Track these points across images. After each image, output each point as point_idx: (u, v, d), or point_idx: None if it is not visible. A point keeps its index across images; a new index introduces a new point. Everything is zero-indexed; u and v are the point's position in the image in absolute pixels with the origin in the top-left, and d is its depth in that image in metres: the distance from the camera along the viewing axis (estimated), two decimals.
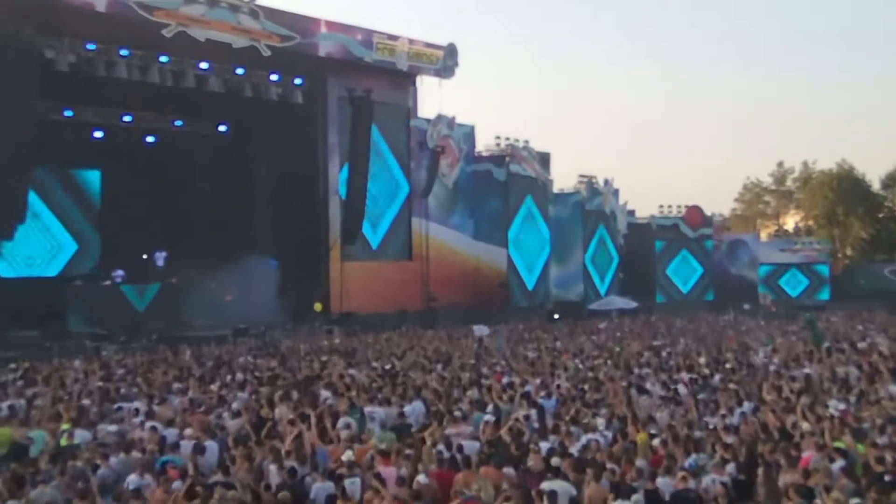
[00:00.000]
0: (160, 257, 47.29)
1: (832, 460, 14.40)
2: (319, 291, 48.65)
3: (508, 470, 13.76)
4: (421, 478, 13.25)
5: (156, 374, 26.90)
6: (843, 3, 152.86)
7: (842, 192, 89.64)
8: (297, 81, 48.62)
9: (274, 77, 47.49)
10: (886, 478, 13.62)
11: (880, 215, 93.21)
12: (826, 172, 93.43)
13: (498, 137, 60.77)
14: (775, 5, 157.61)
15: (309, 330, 44.37)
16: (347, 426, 17.49)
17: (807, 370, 26.51)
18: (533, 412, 19.39)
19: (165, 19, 41.70)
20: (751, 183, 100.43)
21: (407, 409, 19.45)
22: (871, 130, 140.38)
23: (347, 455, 14.42)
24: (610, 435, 16.79)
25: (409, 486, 12.82)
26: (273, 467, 14.01)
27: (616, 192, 70.51)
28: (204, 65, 44.92)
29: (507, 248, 59.03)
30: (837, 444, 15.07)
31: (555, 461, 13.74)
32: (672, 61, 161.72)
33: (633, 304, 60.60)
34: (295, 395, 21.79)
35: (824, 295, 73.42)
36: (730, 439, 15.99)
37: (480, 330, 41.60)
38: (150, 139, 50.73)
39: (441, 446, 15.32)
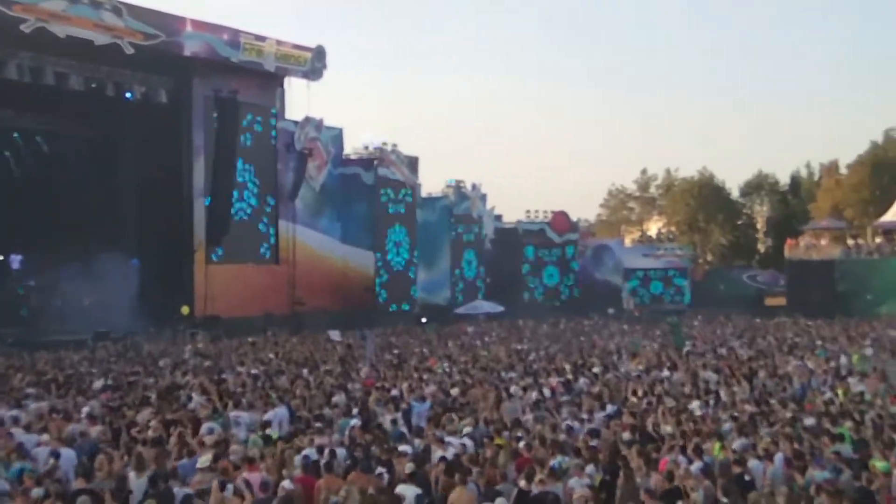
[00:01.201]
0: (15, 260, 45.81)
1: (691, 462, 14.71)
2: (184, 294, 47.73)
3: (374, 475, 13.68)
4: (286, 483, 13.06)
5: (13, 380, 26.07)
6: (708, 16, 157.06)
7: (703, 200, 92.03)
8: (162, 81, 47.71)
9: (137, 76, 46.51)
10: (747, 478, 14.01)
11: (739, 222, 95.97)
12: (688, 180, 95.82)
13: (367, 141, 60.69)
14: (642, 16, 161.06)
15: (173, 334, 43.47)
16: (211, 431, 17.19)
17: (667, 374, 27.11)
18: (400, 416, 19.36)
19: (24, 14, 40.40)
20: (616, 189, 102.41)
21: (270, 414, 19.19)
22: (731, 140, 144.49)
23: (203, 461, 14.13)
24: (476, 439, 16.81)
25: (273, 492, 12.65)
26: (133, 474, 13.65)
27: (484, 197, 70.96)
28: (64, 62, 43.71)
29: (374, 252, 58.75)
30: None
31: (409, 467, 13.66)
32: (539, 68, 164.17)
33: (500, 308, 61.03)
34: (157, 400, 21.36)
35: (686, 300, 75.10)
36: (593, 442, 16.18)
37: (334, 334, 41.58)
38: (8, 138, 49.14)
39: (307, 451, 15.14)
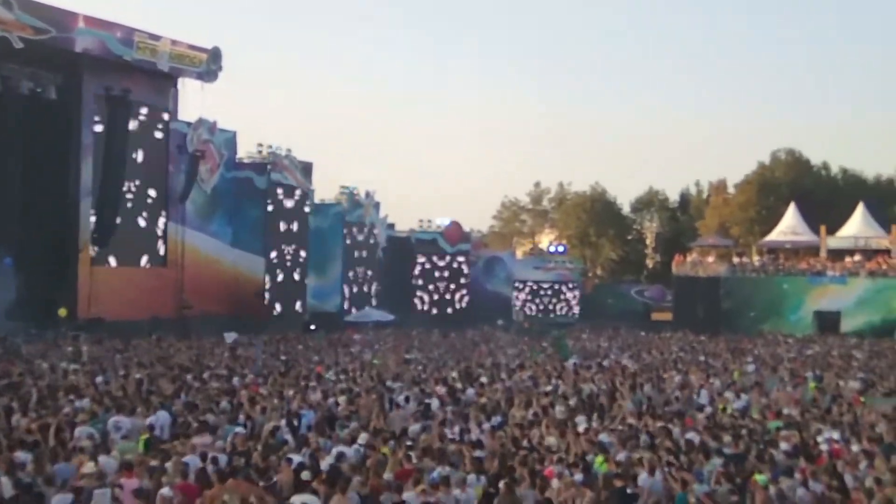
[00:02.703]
0: None
1: (572, 473, 14.81)
2: (65, 295, 46.49)
3: (255, 483, 13.48)
4: (165, 490, 12.78)
5: None
6: (602, 31, 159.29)
7: (594, 214, 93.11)
8: (51, 77, 46.57)
9: (26, 71, 45.31)
10: (629, 490, 14.13)
11: (629, 237, 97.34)
12: (580, 194, 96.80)
13: (260, 145, 59.90)
14: (538, 26, 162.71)
15: (54, 336, 42.31)
16: (90, 436, 16.77)
17: (552, 386, 27.30)
18: (284, 424, 19.14)
19: None
20: (509, 201, 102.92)
21: (152, 419, 18.79)
22: (624, 156, 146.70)
23: (89, 467, 13.78)
24: (361, 447, 16.67)
25: (149, 499, 12.39)
26: (5, 479, 13.22)
27: (377, 205, 70.76)
28: None
29: (265, 257, 58.08)
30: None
31: (305, 475, 13.52)
32: (435, 78, 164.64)
33: (390, 317, 60.89)
34: (35, 403, 20.78)
35: (575, 313, 75.98)
36: (478, 452, 16.17)
37: (229, 337, 41.02)
38: None
39: (189, 458, 14.85)
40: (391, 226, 74.89)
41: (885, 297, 64.71)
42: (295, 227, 60.92)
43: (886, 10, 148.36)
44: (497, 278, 78.26)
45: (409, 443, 17.01)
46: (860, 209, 72.22)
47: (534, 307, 76.52)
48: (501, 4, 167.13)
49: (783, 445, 17.71)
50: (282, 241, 59.68)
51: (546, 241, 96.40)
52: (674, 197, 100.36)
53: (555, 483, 14.19)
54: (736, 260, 73.30)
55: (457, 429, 19.23)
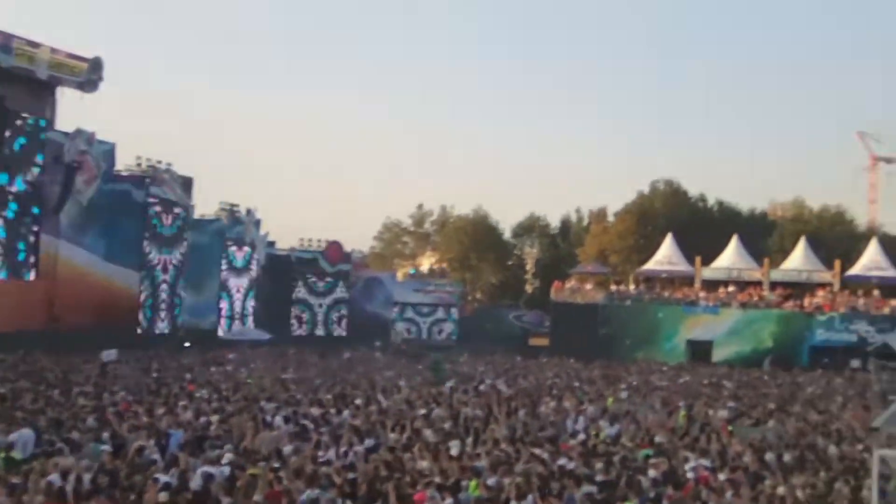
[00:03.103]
0: None
1: (444, 497, 14.75)
2: None
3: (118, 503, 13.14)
4: None
5: None
6: (486, 59, 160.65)
7: (476, 238, 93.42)
8: None
9: None
10: None
11: (509, 263, 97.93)
12: (462, 218, 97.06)
13: (140, 158, 58.74)
14: (420, 51, 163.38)
15: None
16: None
17: (428, 410, 27.23)
18: (152, 443, 18.71)
19: None
20: (391, 223, 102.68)
21: (15, 435, 18.18)
22: (506, 182, 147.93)
23: None
24: (229, 468, 16.35)
25: None
26: None
27: (258, 223, 70.03)
28: None
29: (140, 272, 56.88)
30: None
31: (162, 496, 13.19)
32: (318, 96, 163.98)
33: (267, 336, 60.24)
34: None
35: (453, 336, 76.14)
36: (350, 475, 16.01)
37: (108, 355, 39.95)
38: None
39: (52, 476, 14.39)
40: (271, 244, 74.15)
41: (755, 328, 66.31)
42: (172, 242, 59.88)
43: (763, 51, 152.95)
44: (376, 299, 78.01)
45: (276, 465, 16.74)
46: (734, 242, 73.91)
47: (412, 329, 76.46)
48: (383, 25, 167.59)
49: (651, 473, 17.91)
50: (158, 255, 58.58)
51: (427, 263, 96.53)
52: (555, 223, 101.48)
53: None
54: (613, 288, 74.30)
55: (331, 451, 19.04)
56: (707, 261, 72.84)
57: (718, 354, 64.75)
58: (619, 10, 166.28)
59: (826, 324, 65.14)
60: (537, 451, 19.98)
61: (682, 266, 73.80)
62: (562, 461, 18.83)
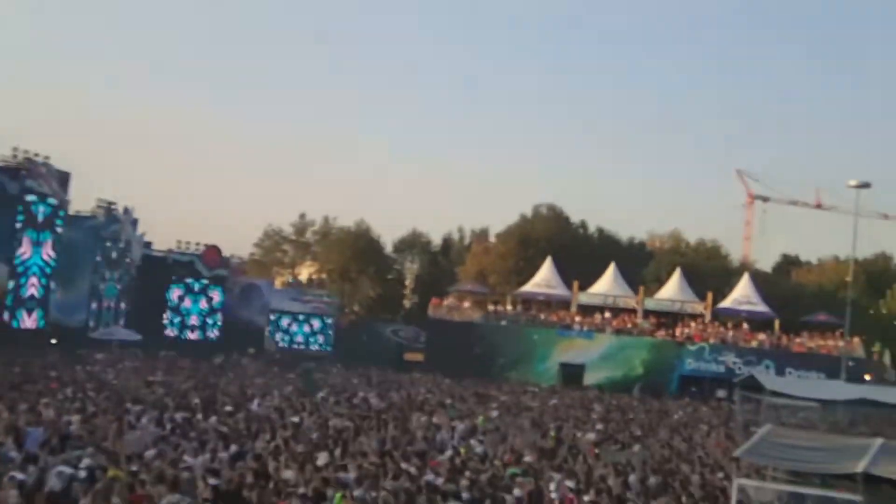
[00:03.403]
0: None
1: None
2: None
3: None
4: None
5: None
6: (372, 70, 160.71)
7: (357, 251, 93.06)
8: None
9: None
10: None
11: (389, 277, 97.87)
12: (344, 230, 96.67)
13: (16, 149, 56.99)
14: (307, 62, 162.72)
15: None
16: None
17: (298, 419, 27.00)
18: (10, 440, 18.14)
19: None
20: (272, 230, 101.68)
21: None
22: (391, 196, 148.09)
23: None
24: (89, 469, 15.91)
25: None
26: None
27: (135, 222, 68.56)
28: None
29: (8, 266, 55.13)
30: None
31: (13, 495, 12.77)
32: (201, 99, 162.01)
33: (137, 337, 58.91)
34: None
35: (328, 347, 75.61)
36: (213, 481, 15.72)
37: None
38: None
39: None
40: (148, 244, 72.66)
41: (627, 354, 67.39)
42: (45, 237, 58.26)
43: (648, 85, 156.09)
44: (253, 306, 77.01)
45: (133, 468, 16.33)
46: (612, 269, 75.02)
47: (287, 338, 75.72)
48: (265, 30, 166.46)
49: (516, 492, 17.98)
50: (29, 250, 56.92)
51: (306, 273, 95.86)
52: (436, 241, 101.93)
53: None
54: (491, 307, 74.71)
55: (196, 457, 18.68)
56: (584, 286, 73.79)
57: (590, 378, 65.55)
58: (503, 26, 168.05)
59: (696, 354, 66.54)
60: (405, 465, 19.91)
61: (559, 290, 74.59)
62: (429, 476, 18.78)
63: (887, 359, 69.39)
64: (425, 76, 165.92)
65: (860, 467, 13.43)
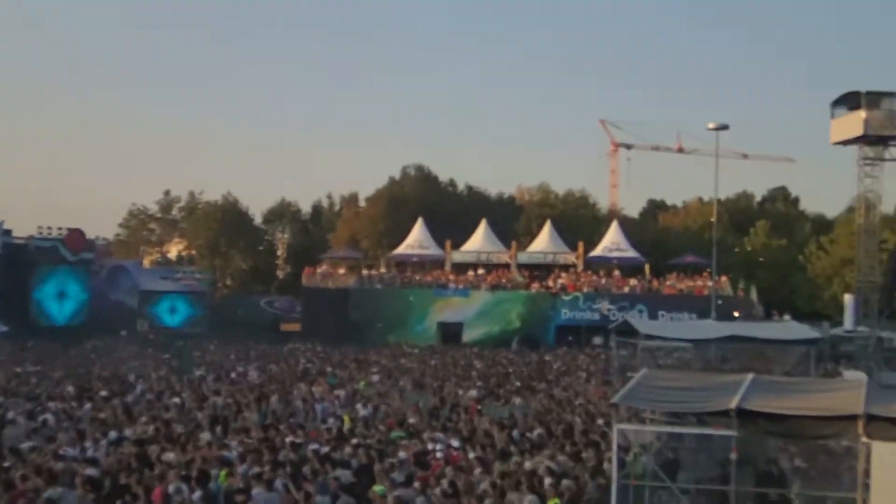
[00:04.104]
0: None
1: (192, 490, 14.41)
2: None
3: None
4: None
5: None
6: (225, 42, 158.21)
7: (226, 225, 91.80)
8: None
9: None
10: None
11: (260, 248, 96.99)
12: (212, 204, 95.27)
13: None
14: (168, 38, 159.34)
15: None
16: None
17: (177, 400, 26.60)
18: None
19: None
20: (137, 209, 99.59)
21: None
22: (257, 166, 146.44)
23: None
24: None
25: None
26: None
27: None
28: None
29: None
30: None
31: None
32: (62, 79, 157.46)
33: (3, 328, 57.21)
34: None
35: (202, 324, 74.49)
36: (91, 471, 15.35)
37: None
38: None
39: None
40: (8, 232, 70.47)
41: (503, 309, 68.03)
42: None
43: (508, 41, 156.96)
44: (122, 288, 75.44)
45: (7, 463, 15.86)
46: (483, 225, 75.62)
47: (159, 318, 74.38)
48: (135, 11, 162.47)
49: (402, 454, 18.00)
50: None
51: (175, 250, 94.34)
52: (306, 209, 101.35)
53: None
54: (365, 272, 74.54)
55: (74, 446, 18.23)
56: (457, 244, 74.22)
57: (468, 336, 66.13)
58: None
59: (570, 303, 67.51)
60: (289, 437, 19.77)
61: (432, 250, 74.87)
62: (314, 446, 18.69)
63: (754, 295, 71.43)
64: (285, 44, 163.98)
65: (734, 403, 13.72)
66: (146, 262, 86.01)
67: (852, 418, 13.21)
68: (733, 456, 14.30)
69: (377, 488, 14.79)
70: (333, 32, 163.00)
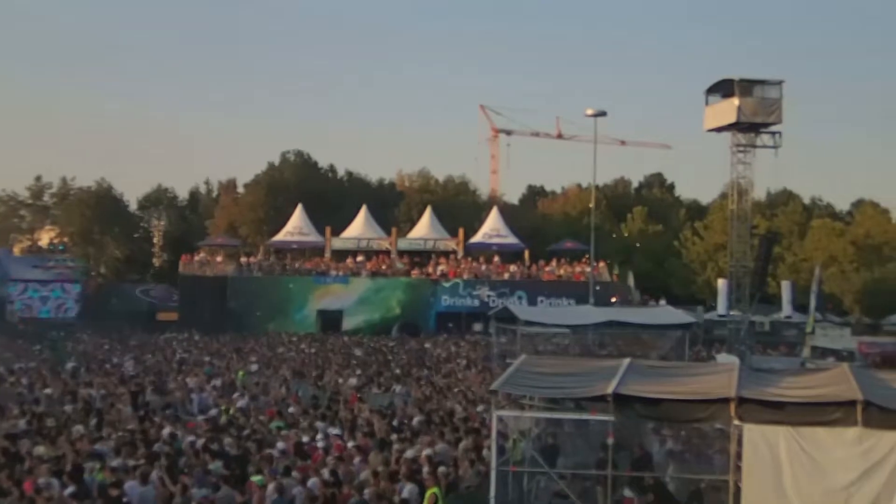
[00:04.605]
0: None
1: (64, 485, 14.06)
2: None
3: None
4: None
5: None
6: (109, 23, 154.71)
7: (100, 211, 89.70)
8: None
9: None
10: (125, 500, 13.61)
11: (136, 235, 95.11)
12: (85, 190, 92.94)
13: None
14: (42, 20, 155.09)
15: None
16: None
17: (49, 391, 25.99)
18: None
19: None
20: (6, 196, 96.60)
21: None
22: (132, 152, 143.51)
23: None
24: None
25: None
26: None
27: None
28: None
29: None
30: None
31: None
32: None
33: None
34: None
35: (76, 314, 72.76)
36: None
37: None
38: None
39: None
40: None
41: (383, 296, 67.88)
42: None
43: (381, 19, 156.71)
44: None
45: None
46: (363, 212, 75.30)
47: (31, 307, 72.42)
48: None
49: (280, 444, 17.83)
50: None
51: (46, 238, 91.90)
52: (183, 195, 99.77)
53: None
54: (243, 260, 73.60)
55: None
56: (337, 231, 73.74)
57: (349, 323, 65.88)
58: None
59: (451, 290, 67.68)
60: (166, 429, 19.45)
61: (312, 237, 74.34)
62: (191, 438, 18.42)
63: (631, 280, 72.61)
64: (160, 24, 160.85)
65: (610, 388, 13.87)
66: (16, 250, 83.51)
67: (725, 401, 13.48)
68: (610, 440, 14.49)
69: (256, 479, 14.65)
70: (211, 12, 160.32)
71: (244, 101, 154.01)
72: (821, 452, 13.11)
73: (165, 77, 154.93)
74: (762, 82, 50.18)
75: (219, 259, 73.20)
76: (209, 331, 57.86)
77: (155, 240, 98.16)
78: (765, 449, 13.24)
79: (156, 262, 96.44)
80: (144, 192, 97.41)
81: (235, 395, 26.67)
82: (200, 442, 18.01)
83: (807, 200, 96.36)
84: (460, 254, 72.71)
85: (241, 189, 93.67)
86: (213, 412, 23.07)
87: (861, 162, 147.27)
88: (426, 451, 16.94)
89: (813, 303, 53.81)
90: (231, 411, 23.33)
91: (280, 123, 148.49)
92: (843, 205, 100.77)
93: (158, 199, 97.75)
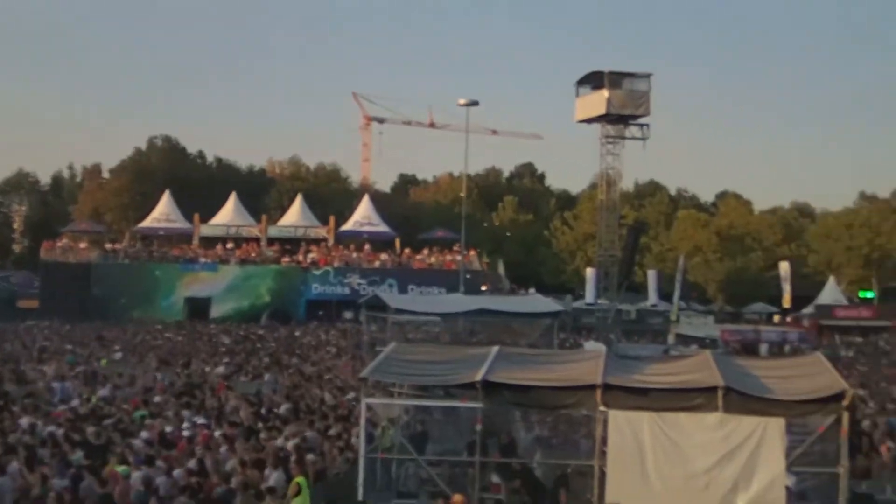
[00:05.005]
0: None
1: None
2: None
3: None
4: None
5: None
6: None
7: None
8: None
9: None
10: None
11: None
12: None
13: None
14: None
15: None
16: None
17: None
18: None
19: None
20: None
21: None
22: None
23: None
24: None
25: None
26: None
27: None
28: None
29: None
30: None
31: None
32: None
33: None
34: None
35: None
36: None
37: None
38: None
39: None
40: None
41: (253, 283, 67.21)
42: None
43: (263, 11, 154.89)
44: None
45: None
46: (233, 199, 74.43)
47: None
48: None
49: (144, 434, 17.49)
50: None
51: None
52: (46, 180, 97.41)
53: None
54: (108, 246, 72.04)
55: None
56: (206, 218, 72.76)
57: (217, 311, 65.04)
58: None
59: (321, 278, 67.34)
60: (24, 418, 18.87)
61: (180, 223, 73.28)
62: (51, 427, 17.92)
63: (501, 269, 73.32)
64: (13, 11, 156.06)
65: (479, 376, 13.96)
66: None
67: (591, 388, 13.69)
68: (478, 427, 14.56)
69: (120, 468, 14.34)
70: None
71: (109, 85, 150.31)
72: (683, 437, 13.41)
73: (25, 58, 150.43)
74: (631, 75, 51.17)
75: (82, 245, 71.52)
76: (72, 318, 56.40)
77: (15, 225, 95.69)
78: (629, 434, 13.48)
79: (16, 248, 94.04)
80: (4, 177, 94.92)
81: (98, 384, 26.06)
82: (61, 432, 17.53)
83: (673, 192, 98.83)
84: (331, 242, 72.41)
85: (106, 174, 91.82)
86: (76, 402, 22.47)
87: (726, 155, 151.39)
88: (293, 441, 16.81)
89: (677, 292, 55.16)
90: (94, 400, 22.78)
91: (147, 108, 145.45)
92: (707, 196, 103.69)
93: (19, 184, 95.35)
